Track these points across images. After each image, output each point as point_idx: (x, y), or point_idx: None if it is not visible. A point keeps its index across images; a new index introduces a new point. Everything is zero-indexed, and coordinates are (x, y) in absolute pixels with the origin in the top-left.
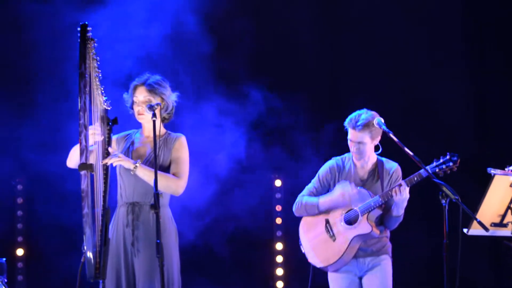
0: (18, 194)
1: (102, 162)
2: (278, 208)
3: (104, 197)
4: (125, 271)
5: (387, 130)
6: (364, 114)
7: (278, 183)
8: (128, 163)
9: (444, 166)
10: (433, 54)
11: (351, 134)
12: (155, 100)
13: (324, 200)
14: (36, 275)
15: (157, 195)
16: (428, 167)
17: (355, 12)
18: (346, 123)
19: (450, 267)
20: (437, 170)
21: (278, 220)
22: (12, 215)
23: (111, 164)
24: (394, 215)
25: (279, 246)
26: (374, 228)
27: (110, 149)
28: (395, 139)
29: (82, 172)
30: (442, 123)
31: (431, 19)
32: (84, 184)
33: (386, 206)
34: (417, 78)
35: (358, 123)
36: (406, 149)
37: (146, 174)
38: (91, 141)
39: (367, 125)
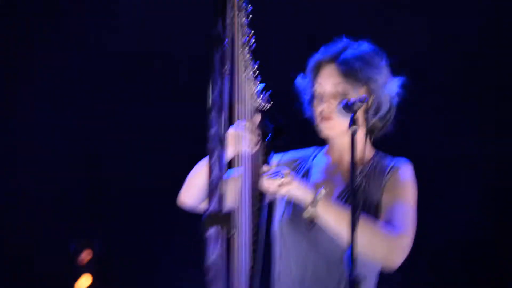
0: None
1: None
2: None
3: (251, 276)
4: None
5: None
6: None
7: None
8: (303, 192)
9: None
10: None
11: None
12: (355, 92)
13: None
14: None
15: (353, 282)
16: None
17: None
18: None
19: None
20: None
21: None
22: None
23: (265, 206)
24: None
25: None
26: None
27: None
28: None
29: (211, 230)
30: None
31: None
32: (215, 254)
33: None
34: None
35: None
36: None
37: (335, 215)
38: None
39: None
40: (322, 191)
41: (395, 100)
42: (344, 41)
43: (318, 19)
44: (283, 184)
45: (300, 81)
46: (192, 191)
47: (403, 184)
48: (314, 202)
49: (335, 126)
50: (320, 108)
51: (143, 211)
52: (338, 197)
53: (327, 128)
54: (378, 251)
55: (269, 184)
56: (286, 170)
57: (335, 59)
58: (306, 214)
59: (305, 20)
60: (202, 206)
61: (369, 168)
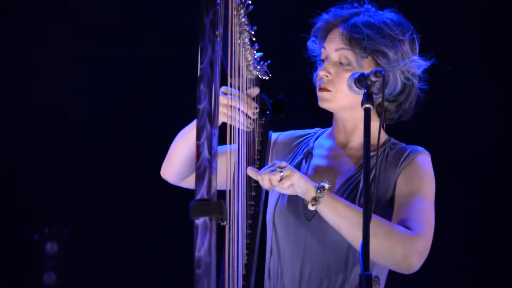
0: None
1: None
2: None
3: (245, 272)
4: None
5: None
6: None
7: None
8: (303, 184)
9: None
10: None
11: None
12: (358, 63)
13: None
14: None
15: (368, 278)
16: None
17: None
18: None
19: None
20: None
21: None
22: None
23: (263, 193)
24: None
25: None
26: None
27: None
28: None
29: (199, 221)
30: None
31: None
32: (203, 249)
33: None
34: None
35: None
36: None
37: (341, 213)
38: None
39: None
40: (326, 185)
41: (411, 82)
42: (363, 6)
43: None
44: (282, 179)
45: (311, 44)
46: (174, 165)
47: (421, 175)
48: (317, 200)
49: (332, 99)
50: (319, 76)
51: (119, 195)
52: (344, 185)
53: (322, 99)
54: (393, 254)
55: (265, 180)
56: (282, 163)
57: (343, 21)
58: (310, 205)
59: None
60: (186, 182)
61: (381, 155)
